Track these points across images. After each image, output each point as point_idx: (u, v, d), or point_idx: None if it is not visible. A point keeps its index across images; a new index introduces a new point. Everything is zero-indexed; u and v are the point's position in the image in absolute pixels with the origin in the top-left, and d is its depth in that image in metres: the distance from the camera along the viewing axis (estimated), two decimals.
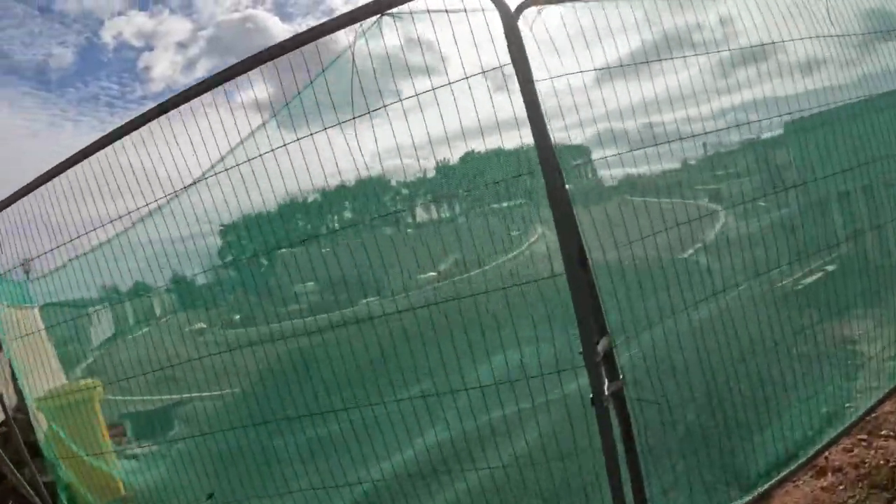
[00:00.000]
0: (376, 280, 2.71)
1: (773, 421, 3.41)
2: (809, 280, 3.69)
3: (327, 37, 2.34)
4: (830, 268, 3.75)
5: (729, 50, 3.17)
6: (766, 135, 3.47)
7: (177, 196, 2.33)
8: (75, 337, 4.02)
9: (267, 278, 2.83)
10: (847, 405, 3.77)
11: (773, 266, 3.29)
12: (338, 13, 2.39)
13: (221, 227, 2.24)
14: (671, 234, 2.91)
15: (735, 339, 3.11)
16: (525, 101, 2.34)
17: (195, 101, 2.22)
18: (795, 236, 3.51)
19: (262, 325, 2.98)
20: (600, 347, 2.50)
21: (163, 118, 2.25)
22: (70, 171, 2.69)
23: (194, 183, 2.35)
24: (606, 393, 2.52)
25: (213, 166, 2.36)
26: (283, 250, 2.56)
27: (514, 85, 2.51)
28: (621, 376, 2.65)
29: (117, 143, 2.37)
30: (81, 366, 4.29)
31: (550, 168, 2.38)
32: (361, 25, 2.29)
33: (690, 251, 3.17)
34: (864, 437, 3.91)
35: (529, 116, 2.35)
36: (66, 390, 4.34)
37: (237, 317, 3.27)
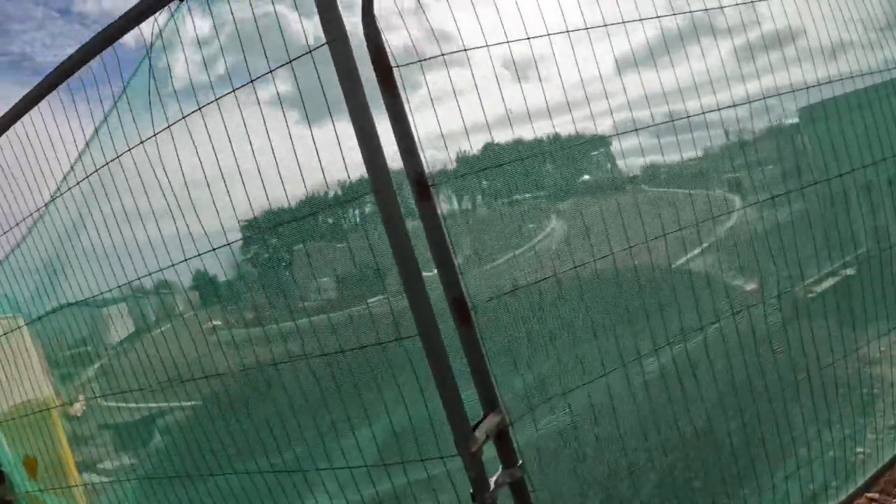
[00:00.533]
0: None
1: (760, 481, 2.82)
2: (823, 287, 3.30)
3: (350, 31, 2.33)
4: (849, 271, 3.38)
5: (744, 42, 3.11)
6: (788, 121, 3.41)
7: (199, 191, 2.33)
8: (88, 338, 3.98)
9: (285, 274, 2.83)
10: (858, 451, 3.10)
11: (782, 273, 2.92)
12: (356, 9, 2.38)
13: (243, 223, 2.24)
14: (670, 243, 2.61)
15: (713, 378, 2.64)
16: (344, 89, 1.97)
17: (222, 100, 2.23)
18: (813, 234, 3.09)
19: (277, 323, 2.96)
20: (483, 430, 1.94)
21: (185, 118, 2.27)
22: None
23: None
24: (492, 488, 1.95)
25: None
26: (303, 246, 2.56)
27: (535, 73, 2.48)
28: (520, 461, 2.06)
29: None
30: (94, 367, 4.24)
31: (384, 194, 1.95)
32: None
33: (684, 258, 2.90)
34: (876, 496, 2.96)
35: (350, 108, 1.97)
36: (19, 410, 3.96)
37: (251, 315, 3.23)
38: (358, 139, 2.00)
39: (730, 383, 2.68)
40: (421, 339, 1.93)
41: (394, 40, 2.45)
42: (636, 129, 2.66)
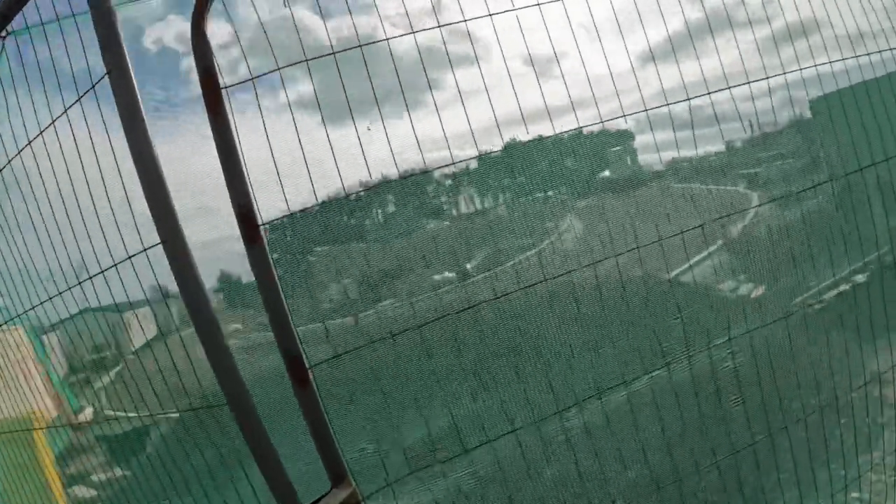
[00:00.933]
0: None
1: None
2: (832, 294, 2.96)
3: (366, 32, 2.33)
4: (860, 278, 3.11)
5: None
6: (807, 114, 3.37)
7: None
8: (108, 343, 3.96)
9: (307, 276, 2.82)
10: (856, 497, 2.67)
11: (790, 281, 2.74)
12: (378, 7, 2.38)
13: (266, 226, 2.24)
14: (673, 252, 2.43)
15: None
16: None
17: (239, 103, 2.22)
18: (828, 234, 2.81)
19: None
20: None
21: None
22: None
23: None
24: None
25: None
26: (325, 248, 2.55)
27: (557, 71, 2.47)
28: None
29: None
30: (111, 372, 4.19)
31: (172, 244, 1.74)
32: None
33: (685, 266, 2.76)
34: None
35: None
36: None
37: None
38: (141, 180, 1.82)
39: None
40: (229, 405, 1.68)
41: (411, 40, 2.45)
42: (623, 115, 2.64)
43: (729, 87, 2.72)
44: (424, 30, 2.33)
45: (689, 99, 2.68)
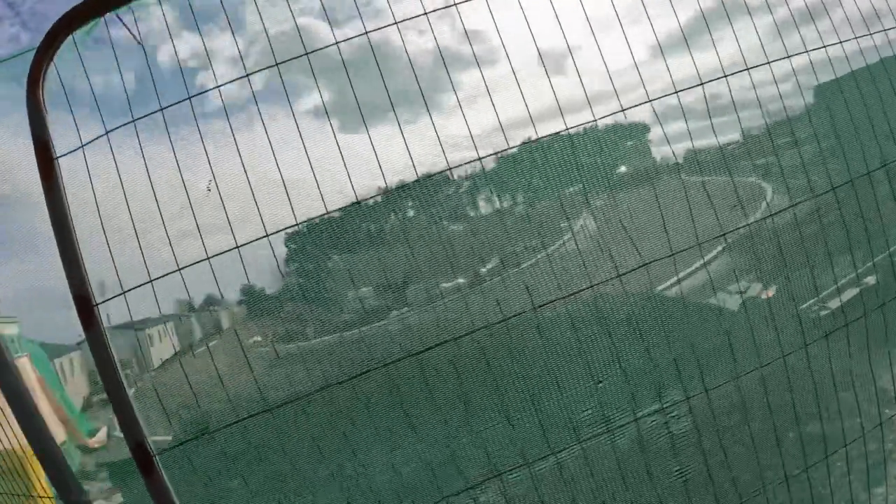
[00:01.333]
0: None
1: None
2: (840, 300, 2.75)
3: (379, 37, 2.34)
4: (870, 280, 2.77)
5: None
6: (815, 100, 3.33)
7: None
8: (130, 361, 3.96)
9: (326, 286, 2.81)
10: None
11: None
12: (386, 14, 2.38)
13: (286, 235, 2.24)
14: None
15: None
16: None
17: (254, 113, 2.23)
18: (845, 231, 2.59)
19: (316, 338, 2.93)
20: None
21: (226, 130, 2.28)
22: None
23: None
24: None
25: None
26: (344, 255, 2.55)
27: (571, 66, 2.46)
28: None
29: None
30: (130, 392, 4.15)
31: None
32: None
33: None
34: None
35: None
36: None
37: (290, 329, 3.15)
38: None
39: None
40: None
41: (425, 43, 2.45)
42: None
43: (746, 70, 2.69)
44: (402, 19, 2.32)
45: (702, 84, 2.66)
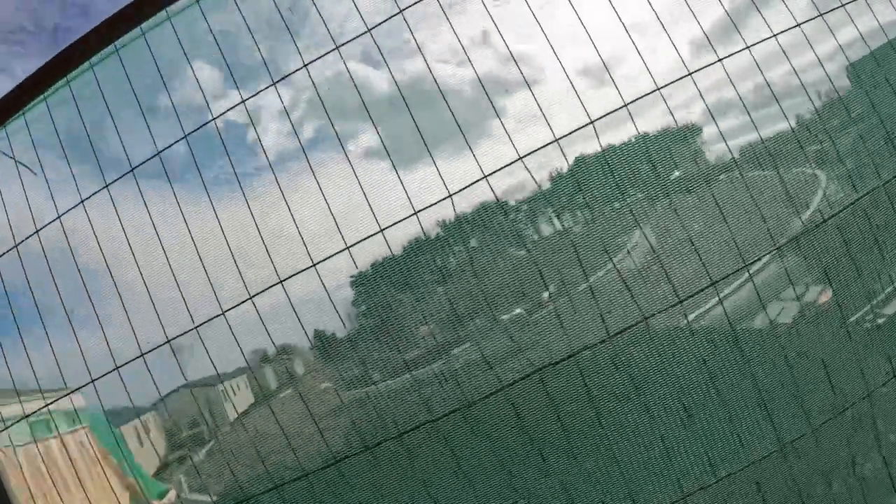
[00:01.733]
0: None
1: None
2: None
3: (422, 72, 2.36)
4: None
5: None
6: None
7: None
8: (201, 419, 3.93)
9: (393, 324, 2.81)
10: None
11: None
12: (425, 51, 2.40)
13: (352, 278, 2.26)
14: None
15: None
16: None
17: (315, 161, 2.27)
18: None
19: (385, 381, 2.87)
20: None
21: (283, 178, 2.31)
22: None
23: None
24: None
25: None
26: (409, 293, 2.55)
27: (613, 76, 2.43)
28: None
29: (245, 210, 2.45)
30: (203, 450, 4.09)
31: None
32: None
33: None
34: None
35: None
36: None
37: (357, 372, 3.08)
38: None
39: None
40: None
41: (466, 73, 2.46)
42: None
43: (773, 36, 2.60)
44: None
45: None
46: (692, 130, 2.67)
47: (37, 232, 2.61)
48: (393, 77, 2.24)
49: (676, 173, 2.79)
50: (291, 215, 2.51)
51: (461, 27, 2.52)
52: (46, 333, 2.44)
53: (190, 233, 2.38)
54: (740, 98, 2.66)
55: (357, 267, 2.30)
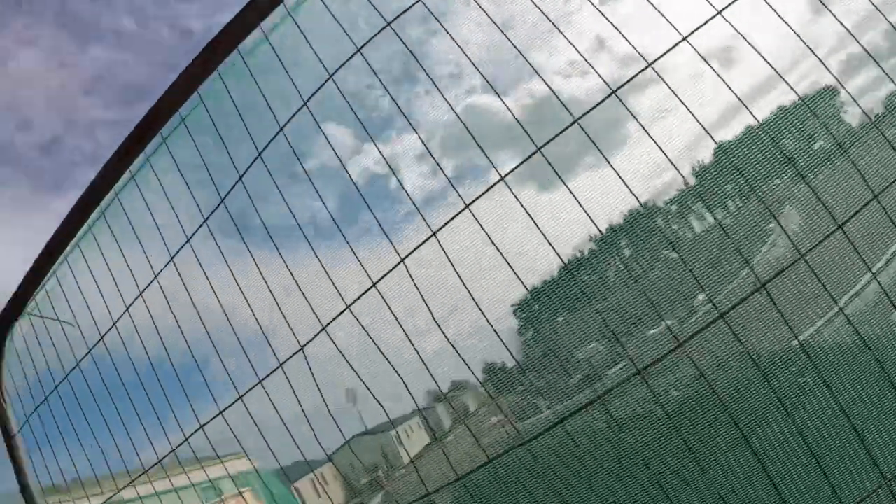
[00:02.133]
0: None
1: None
2: None
3: (547, 92, 2.37)
4: None
5: None
6: None
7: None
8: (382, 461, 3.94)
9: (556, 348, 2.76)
10: None
11: None
12: (547, 69, 2.42)
13: (515, 307, 2.27)
14: None
15: None
16: None
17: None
18: None
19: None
20: None
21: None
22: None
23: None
24: None
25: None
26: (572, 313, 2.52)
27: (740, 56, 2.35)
28: None
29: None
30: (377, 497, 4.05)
31: None
32: None
33: None
34: None
35: None
36: None
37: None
38: None
39: None
40: None
41: (585, 86, 2.45)
42: None
43: None
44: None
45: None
46: (830, 93, 2.52)
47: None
48: (517, 102, 2.27)
49: (821, 142, 2.64)
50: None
51: (575, 39, 2.53)
52: (243, 402, 2.60)
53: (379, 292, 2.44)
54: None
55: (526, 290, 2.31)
